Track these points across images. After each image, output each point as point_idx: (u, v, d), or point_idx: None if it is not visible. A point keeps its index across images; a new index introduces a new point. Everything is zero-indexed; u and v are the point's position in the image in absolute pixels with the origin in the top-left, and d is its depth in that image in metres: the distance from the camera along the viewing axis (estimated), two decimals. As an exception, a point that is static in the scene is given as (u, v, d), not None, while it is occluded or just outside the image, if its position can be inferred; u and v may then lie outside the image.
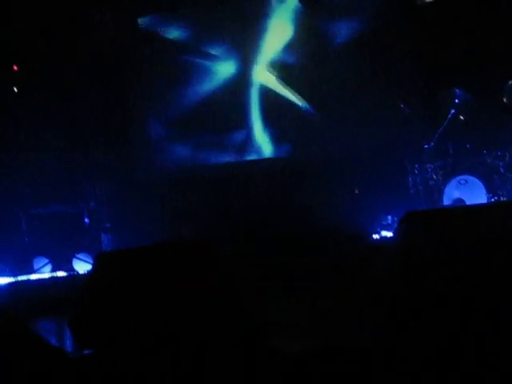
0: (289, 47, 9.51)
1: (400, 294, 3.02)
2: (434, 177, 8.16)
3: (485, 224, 3.21)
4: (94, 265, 3.96)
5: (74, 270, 8.10)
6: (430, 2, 9.02)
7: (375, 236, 8.00)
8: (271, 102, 9.46)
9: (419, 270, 3.01)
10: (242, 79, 9.50)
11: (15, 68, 9.10)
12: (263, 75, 9.51)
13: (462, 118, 8.37)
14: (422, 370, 3.00)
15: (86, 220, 8.50)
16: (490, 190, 7.80)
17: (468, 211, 3.62)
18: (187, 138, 9.45)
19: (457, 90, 8.28)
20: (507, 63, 8.38)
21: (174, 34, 9.52)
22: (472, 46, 8.76)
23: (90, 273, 4.01)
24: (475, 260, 3.02)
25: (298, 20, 9.47)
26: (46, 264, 8.24)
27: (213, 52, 9.49)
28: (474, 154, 8.08)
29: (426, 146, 8.29)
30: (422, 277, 2.99)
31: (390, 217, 8.23)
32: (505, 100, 8.05)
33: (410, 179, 8.41)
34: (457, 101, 8.26)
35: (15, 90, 9.03)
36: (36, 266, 8.20)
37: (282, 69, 9.53)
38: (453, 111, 8.26)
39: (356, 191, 9.02)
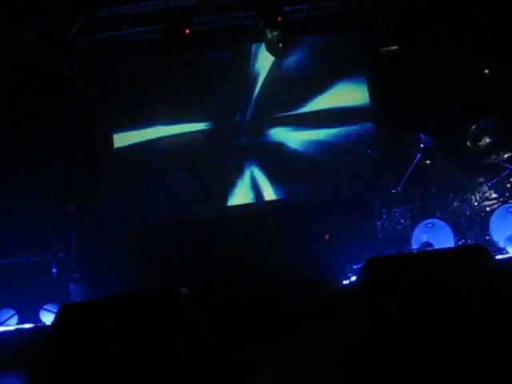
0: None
1: (357, 344, 3.02)
2: (402, 221, 8.22)
3: (444, 268, 3.24)
4: (56, 316, 3.89)
5: (40, 321, 7.96)
6: (393, 50, 9.21)
7: (345, 281, 7.99)
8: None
9: (379, 315, 3.01)
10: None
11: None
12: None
13: (427, 162, 8.48)
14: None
15: (54, 270, 8.39)
16: (457, 233, 7.87)
17: (426, 256, 3.65)
18: (157, 188, 9.46)
19: (422, 135, 8.40)
20: (470, 108, 8.56)
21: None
22: (437, 92, 8.95)
23: (52, 324, 3.93)
24: (434, 304, 3.04)
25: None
26: (13, 316, 8.09)
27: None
28: (441, 198, 8.17)
29: (394, 191, 8.36)
30: (382, 322, 2.99)
31: (359, 262, 8.24)
32: (468, 144, 8.20)
33: (379, 223, 8.46)
34: (422, 145, 8.37)
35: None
36: (2, 318, 8.04)
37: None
38: (419, 156, 8.37)
39: (327, 237, 9.04)
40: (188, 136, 9.59)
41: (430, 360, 2.95)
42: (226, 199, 9.48)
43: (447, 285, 3.15)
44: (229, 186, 9.49)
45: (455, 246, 7.55)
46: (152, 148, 9.57)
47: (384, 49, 9.22)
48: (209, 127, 9.62)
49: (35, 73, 9.12)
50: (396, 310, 3.03)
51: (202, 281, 8.24)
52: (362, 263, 7.69)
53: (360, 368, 3.04)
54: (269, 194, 9.46)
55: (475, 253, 3.53)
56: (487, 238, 7.71)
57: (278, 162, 9.48)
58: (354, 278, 7.97)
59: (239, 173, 9.49)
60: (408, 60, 9.18)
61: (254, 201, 9.48)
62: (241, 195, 9.49)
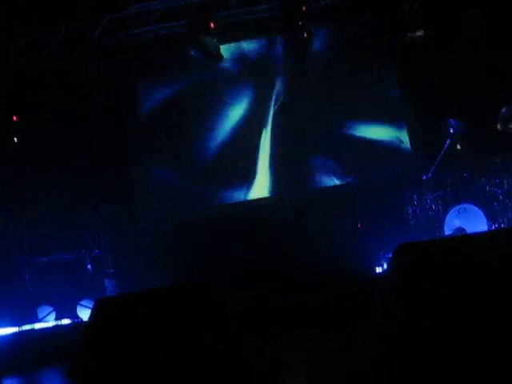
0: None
1: (396, 330, 3.01)
2: (434, 207, 8.16)
3: (479, 253, 3.22)
4: (93, 311, 3.96)
5: (78, 317, 8.09)
6: (419, 36, 9.12)
7: (378, 269, 7.97)
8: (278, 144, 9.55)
9: (414, 302, 3.00)
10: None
11: (15, 118, 9.24)
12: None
13: (458, 147, 8.40)
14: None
15: (89, 267, 8.51)
16: (490, 217, 7.80)
17: (461, 241, 3.62)
18: (190, 184, 9.51)
19: (451, 120, 8.33)
20: (500, 91, 8.45)
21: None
22: (464, 76, 8.85)
23: (89, 319, 4.00)
24: (469, 290, 3.02)
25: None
26: (51, 312, 8.23)
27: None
28: (472, 183, 8.09)
29: (425, 177, 8.31)
30: (417, 309, 2.98)
31: (392, 249, 8.20)
32: (499, 127, 8.10)
33: (410, 210, 8.41)
34: (452, 131, 8.30)
35: (15, 140, 9.16)
36: (40, 315, 8.19)
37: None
38: (448, 141, 8.30)
39: (359, 225, 9.02)
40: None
41: (467, 346, 2.94)
42: (250, 192, 9.50)
43: (481, 269, 3.13)
44: (251, 178, 9.51)
45: (488, 230, 7.48)
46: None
47: (410, 34, 9.12)
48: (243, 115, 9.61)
49: (64, 74, 9.23)
50: (430, 296, 3.02)
51: (234, 276, 8.29)
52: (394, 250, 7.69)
53: (398, 356, 3.04)
54: (294, 185, 9.46)
55: (509, 236, 3.51)
56: (521, 221, 7.64)
57: (304, 151, 9.47)
58: (386, 266, 7.97)
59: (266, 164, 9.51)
60: (435, 45, 9.09)
61: (280, 192, 9.48)
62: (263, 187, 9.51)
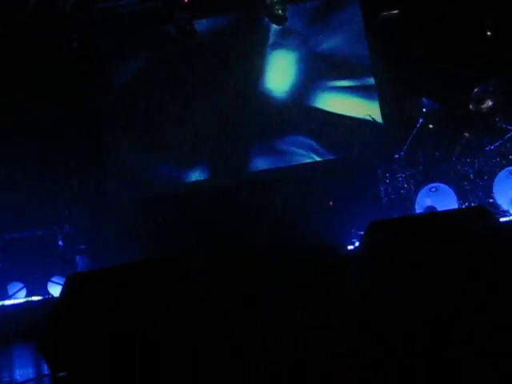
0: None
1: (367, 306, 3.05)
2: (406, 185, 8.23)
3: (449, 230, 3.26)
4: (64, 286, 3.93)
5: (49, 293, 8.04)
6: (394, 14, 9.13)
7: (350, 247, 8.04)
8: (241, 117, 9.53)
9: (384, 278, 3.03)
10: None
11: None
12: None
13: (430, 126, 8.46)
14: (397, 377, 3.02)
15: (60, 243, 8.46)
16: (460, 196, 7.90)
17: (431, 218, 3.66)
18: (160, 156, 9.47)
19: (424, 99, 8.37)
20: (472, 71, 8.51)
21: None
22: (437, 55, 8.89)
23: (60, 294, 3.97)
24: (440, 266, 3.06)
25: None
26: (21, 289, 8.17)
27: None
28: (444, 162, 8.17)
29: (397, 156, 8.37)
30: (387, 285, 3.02)
31: (363, 227, 8.26)
32: (471, 107, 8.17)
33: (382, 189, 8.49)
34: (424, 110, 8.35)
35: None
36: (11, 292, 8.12)
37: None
38: (421, 120, 8.35)
39: (331, 203, 9.07)
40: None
41: (440, 322, 2.98)
42: (225, 169, 9.49)
43: (450, 246, 3.17)
44: (226, 155, 9.50)
45: (458, 208, 7.57)
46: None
47: (385, 13, 9.13)
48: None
49: (36, 46, 9.07)
50: (402, 273, 3.06)
51: (208, 250, 8.29)
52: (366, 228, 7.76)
53: (372, 333, 3.07)
54: (270, 162, 9.46)
55: (478, 214, 3.55)
56: (491, 200, 7.73)
57: (277, 130, 9.47)
58: (358, 243, 8.03)
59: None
60: (409, 24, 9.11)
61: (255, 170, 9.49)
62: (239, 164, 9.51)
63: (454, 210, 7.04)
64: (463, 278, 3.19)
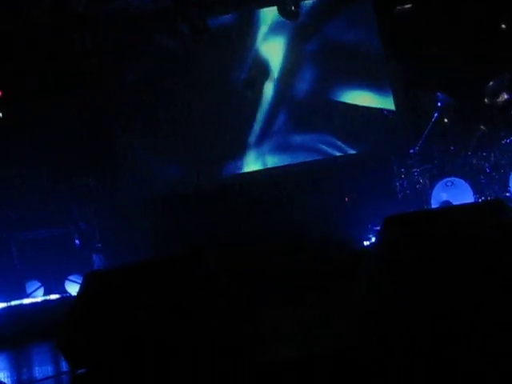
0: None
1: (383, 299, 3.04)
2: (421, 180, 8.20)
3: (465, 224, 3.24)
4: (82, 284, 3.96)
5: (66, 292, 8.09)
6: (408, 8, 9.10)
7: (366, 242, 8.02)
8: (255, 114, 9.53)
9: (402, 273, 3.02)
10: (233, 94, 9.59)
11: (0, 94, 9.13)
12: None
13: (445, 120, 8.42)
14: (413, 371, 3.01)
15: (77, 241, 8.50)
16: (476, 190, 7.84)
17: (447, 212, 3.64)
18: (174, 155, 9.49)
19: (439, 94, 8.33)
20: (487, 65, 8.45)
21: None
22: (452, 49, 8.85)
23: (78, 292, 4.00)
24: (456, 259, 3.04)
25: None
26: (39, 288, 8.22)
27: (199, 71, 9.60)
28: (460, 156, 8.12)
29: (412, 151, 8.33)
30: (405, 279, 3.01)
31: (379, 223, 8.24)
32: (486, 101, 8.11)
33: (398, 184, 8.46)
34: (439, 104, 8.31)
35: (0, 115, 9.07)
36: (29, 291, 8.18)
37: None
38: (436, 115, 8.31)
39: (346, 199, 9.05)
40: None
41: (454, 318, 2.97)
42: (240, 166, 9.50)
43: (467, 241, 3.15)
44: (242, 150, 9.51)
45: (475, 202, 7.53)
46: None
47: (398, 7, 9.10)
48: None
49: (49, 46, 9.11)
50: (418, 268, 3.05)
51: (223, 247, 8.30)
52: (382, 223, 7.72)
53: (381, 328, 3.07)
54: (282, 159, 9.47)
55: (495, 208, 3.52)
56: (507, 194, 7.68)
57: (291, 125, 9.47)
58: (374, 239, 8.01)
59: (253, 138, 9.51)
60: (422, 18, 9.06)
61: (268, 166, 9.49)
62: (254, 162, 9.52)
63: (471, 203, 7.00)
64: (480, 273, 3.17)
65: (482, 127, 8.04)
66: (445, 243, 3.13)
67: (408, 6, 9.07)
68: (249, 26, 9.69)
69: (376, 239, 3.61)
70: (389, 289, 3.13)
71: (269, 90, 9.59)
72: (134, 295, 3.65)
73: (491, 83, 8.10)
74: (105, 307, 3.72)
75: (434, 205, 7.93)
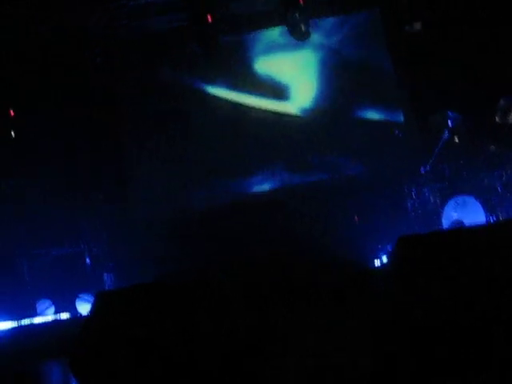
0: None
1: (395, 319, 3.02)
2: (432, 199, 8.17)
3: (480, 245, 3.23)
4: (94, 304, 3.96)
5: (77, 311, 8.09)
6: (417, 29, 9.12)
7: (376, 262, 7.99)
8: (267, 133, 9.55)
9: (415, 293, 3.01)
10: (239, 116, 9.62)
11: (12, 113, 9.20)
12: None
13: (456, 139, 8.40)
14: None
15: (88, 260, 8.52)
16: (488, 209, 7.80)
17: (462, 233, 3.63)
18: (186, 176, 9.51)
19: (449, 113, 8.32)
20: (497, 83, 8.45)
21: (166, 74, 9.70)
22: (462, 68, 8.86)
23: (90, 312, 4.00)
24: (469, 280, 3.03)
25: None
26: (49, 306, 8.23)
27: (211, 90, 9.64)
28: (471, 175, 8.09)
29: (423, 170, 8.31)
30: (418, 300, 2.99)
31: (390, 242, 8.22)
32: (497, 119, 8.09)
33: (409, 203, 8.42)
34: (450, 123, 8.29)
35: (12, 134, 9.13)
36: (39, 309, 8.19)
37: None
38: (446, 133, 8.29)
39: (356, 218, 9.03)
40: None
41: (470, 338, 2.95)
42: (250, 184, 9.52)
43: (483, 262, 3.14)
44: (253, 170, 9.52)
45: (489, 222, 7.49)
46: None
47: (407, 27, 9.13)
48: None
49: (59, 63, 9.17)
50: (431, 289, 3.03)
51: (233, 266, 8.28)
52: (394, 243, 7.69)
53: (396, 345, 3.05)
54: (293, 179, 9.48)
55: (509, 228, 3.51)
56: (519, 213, 7.64)
57: (302, 146, 9.48)
58: (385, 259, 7.98)
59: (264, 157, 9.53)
60: (433, 36, 9.09)
61: (279, 186, 9.51)
62: (266, 180, 9.53)
63: (485, 224, 6.97)
64: (495, 294, 3.15)
65: (492, 146, 8.01)
66: (459, 264, 3.12)
67: (417, 25, 9.09)
68: (259, 45, 9.75)
69: (389, 258, 3.60)
70: (404, 309, 3.11)
71: (279, 108, 9.62)
72: (145, 316, 3.65)
73: (502, 101, 8.08)
74: (116, 328, 3.71)
75: (445, 224, 7.89)
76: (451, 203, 7.93)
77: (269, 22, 9.55)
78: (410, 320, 2.99)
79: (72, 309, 8.11)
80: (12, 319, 7.74)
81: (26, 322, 7.78)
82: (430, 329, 3.11)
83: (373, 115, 9.43)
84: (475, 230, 4.13)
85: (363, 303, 3.55)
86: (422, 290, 3.03)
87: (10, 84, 8.99)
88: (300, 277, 7.14)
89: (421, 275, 3.04)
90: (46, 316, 8.05)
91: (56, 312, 8.14)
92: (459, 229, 5.59)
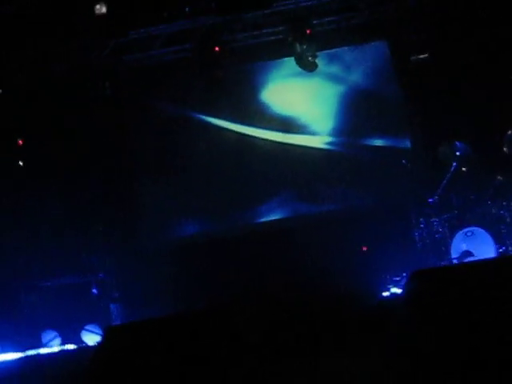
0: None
1: (416, 353, 2.98)
2: (441, 230, 8.12)
3: (492, 280, 3.19)
4: (103, 338, 3.92)
5: (83, 342, 8.03)
6: (423, 58, 9.15)
7: (385, 293, 7.92)
8: (275, 164, 9.57)
9: (432, 328, 2.98)
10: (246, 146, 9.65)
11: (20, 142, 9.24)
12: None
13: (464, 169, 8.38)
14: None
15: (94, 291, 8.47)
16: (497, 240, 7.74)
17: (474, 267, 3.60)
18: (192, 206, 9.51)
19: (457, 143, 8.31)
20: (505, 114, 8.45)
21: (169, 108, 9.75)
22: (470, 99, 8.87)
23: (99, 346, 3.95)
24: (485, 316, 3.00)
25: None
26: (55, 337, 8.17)
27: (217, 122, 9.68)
28: (479, 205, 8.05)
29: (431, 200, 8.27)
30: (436, 334, 2.96)
31: (398, 273, 8.17)
32: (505, 150, 8.08)
33: (417, 233, 8.37)
34: (458, 153, 8.28)
35: (20, 163, 9.16)
36: (45, 340, 8.12)
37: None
38: (455, 164, 8.27)
39: (364, 248, 8.99)
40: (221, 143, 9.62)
41: (487, 375, 2.91)
42: (258, 214, 9.51)
43: (497, 297, 3.10)
44: (261, 200, 9.52)
45: (500, 256, 7.43)
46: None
47: (414, 57, 9.16)
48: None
49: (69, 95, 9.24)
50: (448, 324, 3.00)
51: (240, 297, 8.24)
52: (404, 275, 7.62)
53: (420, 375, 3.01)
54: (301, 209, 9.46)
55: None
56: (529, 245, 7.59)
57: (310, 177, 9.49)
58: (393, 290, 7.91)
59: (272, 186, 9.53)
60: (440, 68, 9.12)
61: (287, 216, 9.49)
62: (274, 210, 9.52)
63: (499, 258, 6.91)
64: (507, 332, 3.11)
65: (499, 177, 7.99)
66: (474, 299, 3.09)
67: (424, 55, 9.12)
68: (266, 76, 9.80)
69: (403, 291, 3.56)
70: (424, 341, 3.07)
71: (287, 139, 9.65)
72: (154, 352, 3.60)
73: (510, 132, 8.08)
74: (125, 363, 3.67)
75: (454, 255, 7.84)
76: (460, 234, 7.88)
77: (276, 53, 9.58)
78: (428, 354, 2.96)
79: (78, 340, 8.04)
80: (17, 350, 7.67)
81: (31, 352, 7.71)
82: (446, 361, 3.06)
83: (381, 145, 9.43)
84: (487, 263, 4.11)
85: (380, 342, 3.50)
86: (439, 324, 3.00)
87: (21, 115, 9.05)
88: (311, 314, 7.08)
89: (437, 310, 3.01)
90: (52, 347, 7.98)
91: (62, 343, 8.07)
92: (472, 263, 5.54)
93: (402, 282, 7.73)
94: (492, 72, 8.75)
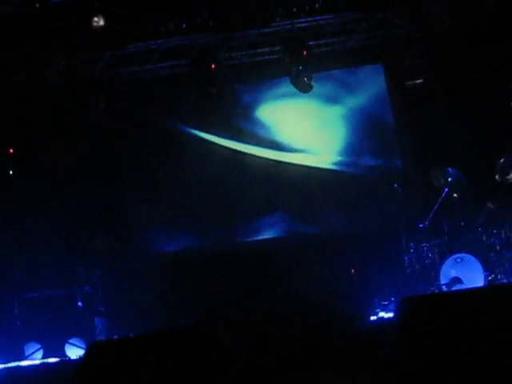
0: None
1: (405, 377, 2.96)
2: (430, 255, 8.10)
3: (483, 309, 3.18)
4: (86, 354, 3.86)
5: (66, 355, 7.92)
6: (418, 83, 9.20)
7: (373, 317, 7.88)
8: (266, 182, 9.56)
9: (421, 354, 2.95)
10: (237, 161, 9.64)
11: (11, 151, 9.20)
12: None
13: (455, 196, 8.38)
14: None
15: (80, 304, 8.37)
16: (487, 267, 7.73)
17: (463, 295, 3.58)
18: (181, 221, 9.47)
19: (449, 169, 8.33)
20: (498, 141, 8.49)
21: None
22: (463, 126, 8.91)
23: (81, 362, 3.89)
24: (473, 344, 2.97)
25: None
26: (38, 350, 8.06)
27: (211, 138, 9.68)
28: (470, 232, 8.05)
29: (421, 225, 8.26)
30: (425, 361, 2.93)
31: (387, 297, 8.14)
32: (497, 177, 8.10)
33: (406, 258, 8.35)
34: (450, 179, 8.29)
35: (10, 173, 9.11)
36: (27, 352, 8.02)
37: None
38: (446, 190, 8.28)
39: (352, 271, 8.97)
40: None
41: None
42: (247, 232, 9.48)
43: (485, 326, 3.08)
44: (252, 218, 9.50)
45: (490, 285, 7.41)
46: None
47: (409, 82, 9.21)
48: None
49: (62, 108, 9.22)
50: (437, 351, 2.97)
51: (227, 315, 8.19)
52: (392, 299, 7.59)
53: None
54: (293, 228, 9.45)
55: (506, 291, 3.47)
56: (518, 272, 7.58)
57: (301, 196, 9.48)
58: (381, 314, 7.88)
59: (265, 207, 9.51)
60: (433, 93, 9.17)
61: (279, 235, 9.47)
62: (265, 228, 9.49)
63: (487, 286, 6.90)
64: (503, 358, 3.09)
65: (490, 204, 8.00)
66: (465, 327, 3.07)
67: (419, 80, 9.17)
68: (260, 95, 9.82)
69: (393, 317, 3.54)
70: (413, 367, 3.04)
71: (278, 157, 9.66)
72: (138, 369, 3.55)
73: (502, 160, 8.10)
74: (107, 379, 3.61)
75: (443, 281, 7.82)
76: (450, 260, 7.86)
77: (272, 73, 9.61)
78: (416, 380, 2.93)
79: (61, 353, 7.93)
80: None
81: (12, 364, 7.60)
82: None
83: (372, 169, 9.44)
84: (478, 292, 4.09)
85: (369, 367, 3.47)
86: (428, 350, 2.97)
87: (12, 124, 9.01)
88: (293, 333, 7.04)
89: (428, 338, 2.98)
90: (34, 359, 7.88)
91: (44, 356, 7.96)
92: (464, 291, 5.53)
93: (391, 307, 7.71)
94: (485, 99, 8.80)
